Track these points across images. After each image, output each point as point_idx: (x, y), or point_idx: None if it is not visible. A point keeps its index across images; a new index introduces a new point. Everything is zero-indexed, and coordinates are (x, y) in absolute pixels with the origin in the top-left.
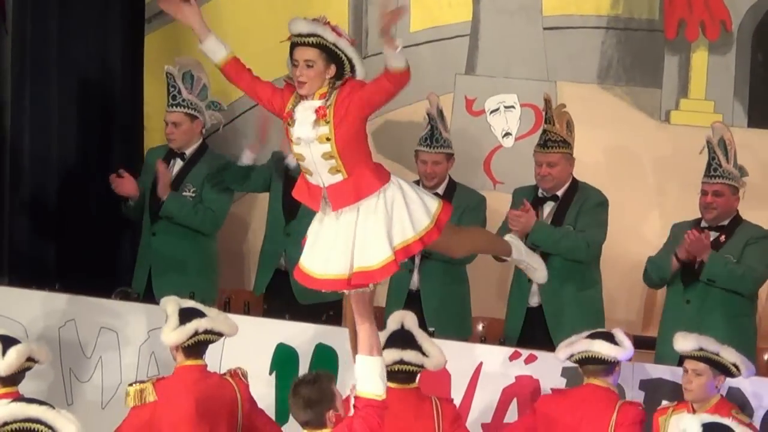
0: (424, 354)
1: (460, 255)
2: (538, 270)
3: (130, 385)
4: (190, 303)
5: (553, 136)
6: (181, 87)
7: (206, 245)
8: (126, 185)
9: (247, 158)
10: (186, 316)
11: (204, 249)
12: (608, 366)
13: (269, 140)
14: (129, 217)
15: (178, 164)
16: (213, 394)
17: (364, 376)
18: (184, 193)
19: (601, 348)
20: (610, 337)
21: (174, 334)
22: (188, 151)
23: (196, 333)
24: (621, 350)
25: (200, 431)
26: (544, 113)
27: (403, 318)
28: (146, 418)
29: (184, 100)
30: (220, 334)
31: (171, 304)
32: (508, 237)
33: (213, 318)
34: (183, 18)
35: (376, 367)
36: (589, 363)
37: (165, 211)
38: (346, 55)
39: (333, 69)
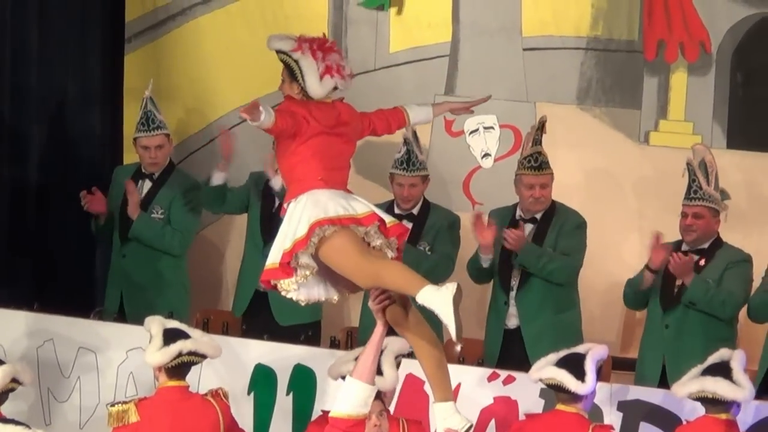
0: (379, 373)
1: (362, 285)
2: (448, 325)
3: (112, 405)
4: (174, 323)
5: (544, 158)
6: (155, 110)
7: (177, 265)
8: (96, 202)
9: (217, 178)
10: (170, 337)
11: (175, 269)
12: (571, 395)
13: (244, 160)
14: (96, 236)
15: (147, 185)
16: (195, 415)
17: (355, 398)
18: (153, 215)
19: (564, 379)
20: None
21: (158, 354)
22: (157, 172)
23: (180, 354)
24: (581, 384)
25: None
26: (536, 134)
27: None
28: None
29: (162, 122)
30: (203, 356)
31: (155, 325)
32: (444, 286)
33: (197, 339)
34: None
35: (368, 392)
36: (556, 390)
37: (134, 232)
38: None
39: (296, 86)
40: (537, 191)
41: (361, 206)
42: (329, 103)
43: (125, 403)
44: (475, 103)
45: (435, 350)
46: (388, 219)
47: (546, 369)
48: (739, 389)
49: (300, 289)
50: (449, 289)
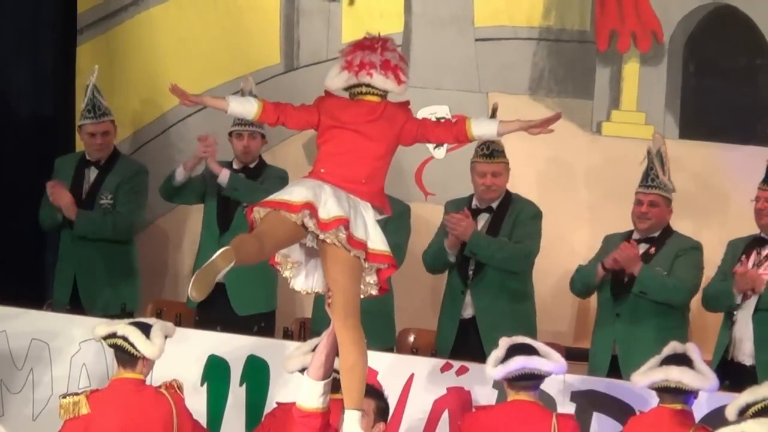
0: None
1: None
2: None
3: (63, 397)
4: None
5: (497, 146)
6: (100, 97)
7: (127, 253)
8: (65, 195)
9: (180, 175)
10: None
11: (125, 257)
12: (537, 381)
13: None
14: (43, 227)
15: (93, 172)
16: (147, 407)
17: (309, 393)
18: (102, 201)
19: (537, 364)
20: (534, 350)
21: (102, 326)
22: (103, 159)
23: (114, 335)
24: (552, 364)
25: None
26: None
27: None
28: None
29: (107, 109)
30: (134, 347)
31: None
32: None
33: (135, 330)
34: (201, 104)
35: (320, 388)
36: (524, 380)
37: (77, 230)
38: None
39: None
40: (488, 179)
41: (329, 203)
42: (355, 101)
43: (77, 395)
44: (550, 120)
45: (350, 355)
46: (326, 215)
47: (512, 361)
48: (705, 378)
49: (296, 279)
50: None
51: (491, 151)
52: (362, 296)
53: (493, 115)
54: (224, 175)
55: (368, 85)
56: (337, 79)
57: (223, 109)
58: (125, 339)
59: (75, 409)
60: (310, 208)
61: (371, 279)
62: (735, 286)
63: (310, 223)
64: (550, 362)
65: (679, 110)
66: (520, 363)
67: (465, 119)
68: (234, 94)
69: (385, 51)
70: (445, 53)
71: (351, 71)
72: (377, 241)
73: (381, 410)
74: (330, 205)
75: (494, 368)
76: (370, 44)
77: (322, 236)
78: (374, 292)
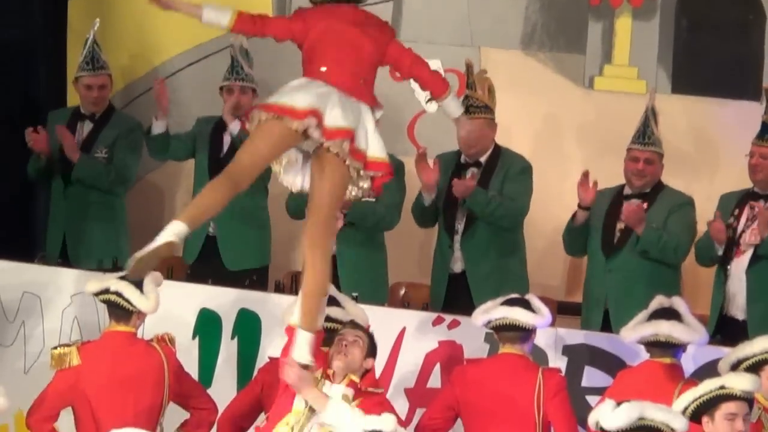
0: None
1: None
2: None
3: (54, 348)
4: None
5: (474, 101)
6: (99, 50)
7: (117, 207)
8: (41, 141)
9: (157, 127)
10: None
11: (115, 212)
12: (525, 333)
13: (189, 106)
14: (35, 179)
15: (87, 126)
16: (138, 360)
17: (300, 344)
18: (96, 155)
19: (519, 315)
20: (526, 304)
21: (93, 282)
22: (98, 113)
23: (108, 291)
24: (538, 317)
25: (124, 397)
26: (466, 79)
27: None
28: (71, 382)
29: (105, 63)
30: (129, 303)
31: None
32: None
33: (129, 285)
34: (173, 8)
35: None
36: (506, 330)
37: (76, 173)
38: None
39: None
40: (468, 135)
41: (335, 111)
42: (336, 5)
43: (68, 346)
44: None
45: (311, 279)
46: (333, 123)
47: (495, 310)
48: (695, 332)
49: (285, 175)
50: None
51: (467, 107)
52: (348, 197)
53: (469, 71)
54: (234, 127)
55: None
56: None
57: (198, 17)
58: (119, 294)
59: (65, 359)
60: (316, 115)
61: (365, 184)
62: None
63: (315, 133)
64: (531, 314)
65: (672, 65)
66: (501, 312)
67: (448, 87)
68: (226, 48)
69: None
70: (437, 7)
71: None
72: (376, 149)
73: (371, 347)
74: (336, 114)
75: (479, 316)
76: None
77: (326, 144)
78: (362, 195)
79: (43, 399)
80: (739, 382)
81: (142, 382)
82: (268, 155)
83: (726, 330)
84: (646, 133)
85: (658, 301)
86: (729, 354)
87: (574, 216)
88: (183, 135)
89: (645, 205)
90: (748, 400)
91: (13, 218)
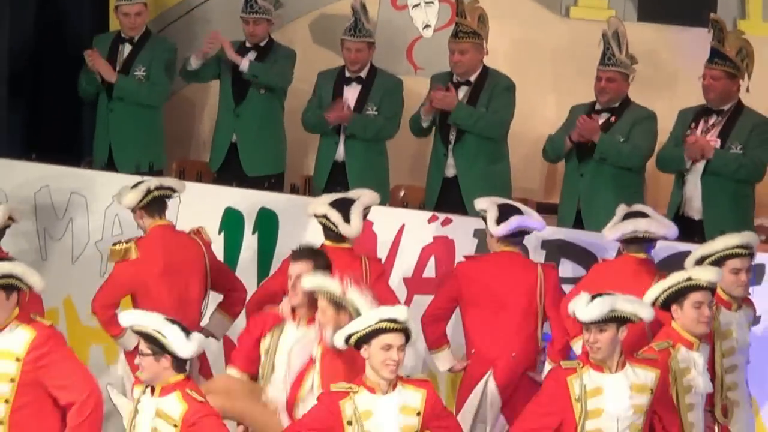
0: (346, 221)
1: None
2: None
3: (114, 245)
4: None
5: (464, 27)
6: None
7: (155, 119)
8: (98, 58)
9: (195, 63)
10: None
11: (154, 123)
12: (524, 236)
13: (216, 30)
14: (83, 95)
15: (127, 48)
16: (184, 250)
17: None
18: (136, 73)
19: (530, 222)
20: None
21: (131, 194)
22: (136, 37)
23: (149, 191)
24: (669, 228)
25: (177, 284)
26: (456, 7)
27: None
28: (131, 273)
29: None
30: (170, 189)
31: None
32: None
33: (159, 177)
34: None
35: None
36: (518, 235)
37: (117, 91)
38: None
39: None
40: (456, 56)
41: None
42: None
43: (127, 242)
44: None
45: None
46: None
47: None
48: (669, 227)
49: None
50: None
51: (457, 32)
52: None
53: (459, 1)
54: (244, 65)
55: None
56: None
57: None
58: (159, 188)
59: (126, 253)
60: None
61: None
62: (686, 153)
63: None
64: (536, 221)
65: None
66: (516, 222)
67: None
68: None
69: None
70: None
71: None
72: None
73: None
74: None
75: (497, 227)
76: None
77: None
78: None
79: (107, 289)
80: (705, 274)
81: (190, 270)
82: None
83: (684, 228)
84: (606, 56)
85: (623, 208)
86: (694, 252)
87: (560, 138)
88: (207, 63)
89: (613, 119)
90: (712, 290)
91: (64, 129)
